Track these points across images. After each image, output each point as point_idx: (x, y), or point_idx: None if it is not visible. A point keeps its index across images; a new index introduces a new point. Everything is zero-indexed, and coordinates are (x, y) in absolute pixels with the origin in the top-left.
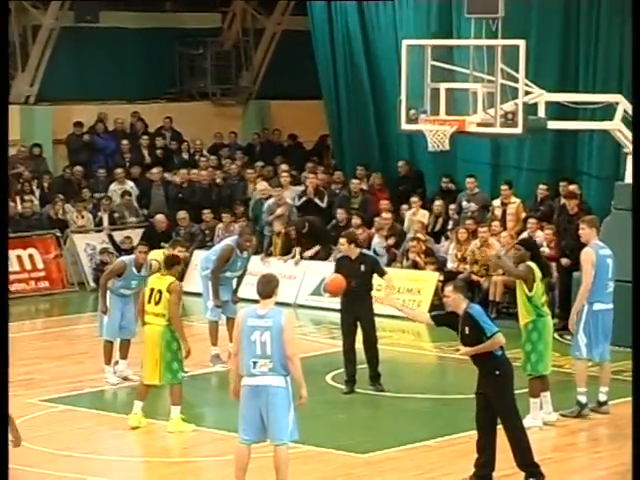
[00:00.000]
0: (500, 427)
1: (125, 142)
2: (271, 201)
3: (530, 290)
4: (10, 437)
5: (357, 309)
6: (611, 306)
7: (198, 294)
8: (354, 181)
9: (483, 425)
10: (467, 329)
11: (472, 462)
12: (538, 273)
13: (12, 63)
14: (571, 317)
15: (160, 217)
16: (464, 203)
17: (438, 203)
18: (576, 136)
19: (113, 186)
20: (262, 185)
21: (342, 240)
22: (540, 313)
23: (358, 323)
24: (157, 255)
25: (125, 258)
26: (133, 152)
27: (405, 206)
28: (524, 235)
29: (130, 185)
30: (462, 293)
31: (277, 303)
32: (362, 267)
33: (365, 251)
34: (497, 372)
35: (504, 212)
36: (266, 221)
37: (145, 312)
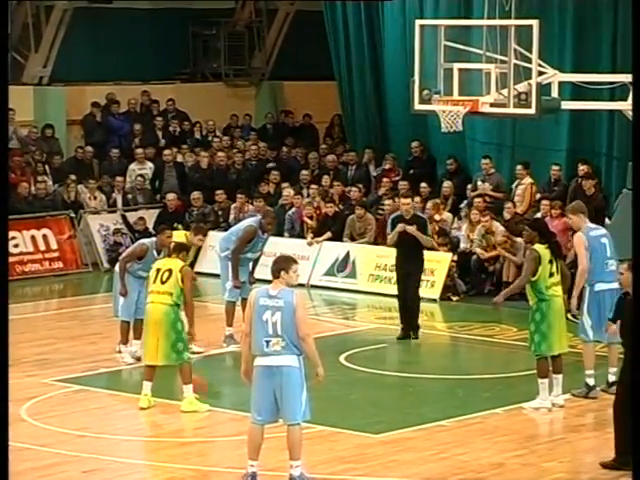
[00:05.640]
0: None
1: (138, 125)
2: (292, 211)
3: (533, 275)
4: None
5: (407, 266)
6: (615, 285)
7: (212, 275)
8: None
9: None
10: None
11: (488, 441)
12: (546, 256)
13: (25, 44)
14: (571, 301)
15: (171, 196)
16: (479, 183)
17: (447, 185)
18: (595, 116)
19: (133, 166)
20: (287, 192)
21: (406, 200)
22: (542, 297)
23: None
24: (179, 238)
25: (147, 241)
26: (147, 133)
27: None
28: (537, 216)
29: (149, 166)
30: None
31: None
32: (415, 227)
33: (418, 212)
34: None
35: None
36: None
37: (149, 292)
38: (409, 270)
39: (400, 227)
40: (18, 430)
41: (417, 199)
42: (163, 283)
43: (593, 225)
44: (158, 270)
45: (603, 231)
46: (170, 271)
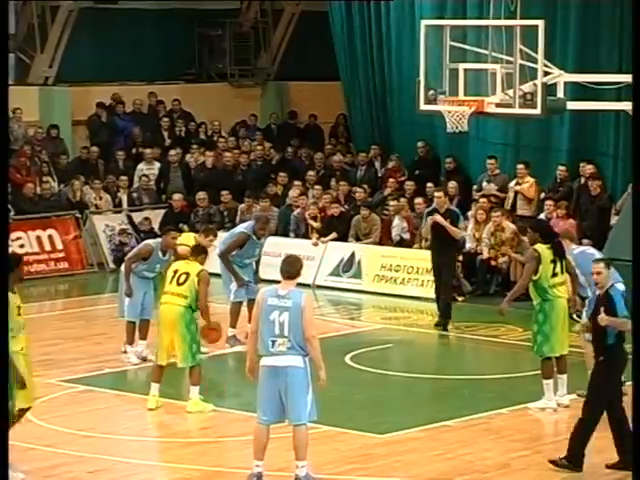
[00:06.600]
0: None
1: (144, 126)
2: (297, 211)
3: (535, 274)
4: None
5: (440, 258)
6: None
7: (215, 274)
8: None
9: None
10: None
11: (494, 442)
12: (548, 256)
13: (31, 44)
14: (572, 304)
15: (177, 196)
16: (484, 184)
17: (452, 184)
18: (598, 116)
19: (141, 166)
20: (292, 192)
21: (440, 194)
22: (546, 297)
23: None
24: (187, 240)
25: (152, 242)
26: (153, 133)
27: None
28: (541, 216)
29: (157, 166)
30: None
31: (297, 284)
32: (448, 221)
33: (452, 206)
34: (601, 358)
35: (517, 192)
36: None
37: (164, 292)
38: (439, 263)
39: (431, 219)
40: (23, 430)
41: (421, 199)
42: (179, 285)
43: (574, 246)
44: (175, 271)
45: (583, 247)
46: (187, 274)
